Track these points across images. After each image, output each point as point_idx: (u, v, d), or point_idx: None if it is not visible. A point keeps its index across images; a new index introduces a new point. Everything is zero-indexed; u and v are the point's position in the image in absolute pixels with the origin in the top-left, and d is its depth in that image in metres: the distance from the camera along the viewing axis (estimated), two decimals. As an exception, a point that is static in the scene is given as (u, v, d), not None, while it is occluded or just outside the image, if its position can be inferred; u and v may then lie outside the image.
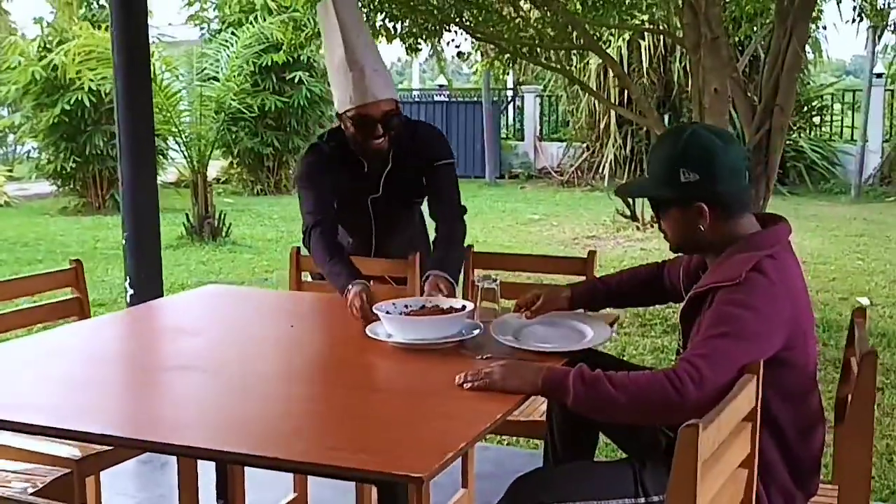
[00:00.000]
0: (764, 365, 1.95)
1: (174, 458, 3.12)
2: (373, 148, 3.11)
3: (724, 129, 3.20)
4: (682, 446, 1.58)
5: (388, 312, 2.52)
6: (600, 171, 14.97)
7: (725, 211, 2.13)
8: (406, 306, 2.60)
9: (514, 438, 4.00)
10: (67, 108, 12.29)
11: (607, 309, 2.70)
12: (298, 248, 3.51)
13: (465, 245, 3.28)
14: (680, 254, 2.38)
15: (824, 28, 8.88)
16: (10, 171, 16.32)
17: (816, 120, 15.12)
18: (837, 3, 7.83)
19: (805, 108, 14.42)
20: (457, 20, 6.72)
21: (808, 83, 14.79)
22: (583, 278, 3.21)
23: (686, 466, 1.58)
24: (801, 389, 2.14)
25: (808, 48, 13.15)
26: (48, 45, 12.63)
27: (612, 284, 2.63)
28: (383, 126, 3.06)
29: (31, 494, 2.38)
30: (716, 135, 2.16)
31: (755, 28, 7.64)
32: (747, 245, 2.11)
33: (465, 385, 2.09)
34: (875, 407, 4.69)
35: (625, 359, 5.24)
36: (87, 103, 12.20)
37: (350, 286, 2.85)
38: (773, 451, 2.09)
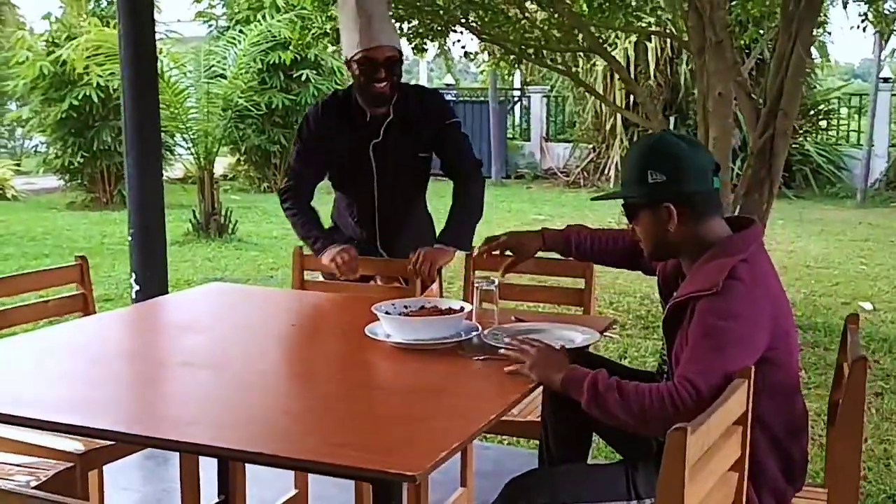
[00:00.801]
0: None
1: (177, 454, 3.15)
2: (375, 91, 3.29)
3: (691, 136, 3.27)
4: (670, 450, 1.60)
5: (387, 312, 2.55)
6: (606, 172, 14.98)
7: (694, 211, 2.19)
8: (405, 307, 2.63)
9: (515, 438, 4.03)
10: (75, 103, 12.36)
11: (602, 313, 2.74)
12: (301, 246, 3.55)
13: (472, 245, 3.35)
14: (658, 261, 2.41)
15: (829, 34, 8.89)
16: (18, 165, 16.39)
17: (823, 124, 15.08)
18: (844, 8, 7.86)
19: (812, 112, 14.40)
20: (463, 21, 6.75)
21: (815, 87, 14.76)
22: (582, 282, 3.25)
23: (674, 470, 1.61)
24: (788, 388, 2.19)
25: (815, 52, 13.14)
26: (56, 41, 12.69)
27: (589, 241, 2.66)
28: (386, 70, 3.26)
29: (34, 488, 2.41)
30: (683, 139, 2.26)
31: (761, 31, 7.65)
32: (721, 251, 2.15)
33: (502, 350, 2.24)
34: (872, 412, 4.69)
35: (626, 360, 5.30)
36: (95, 98, 12.26)
37: (331, 246, 3.26)
38: (765, 452, 2.12)
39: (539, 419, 2.63)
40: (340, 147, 3.41)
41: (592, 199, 2.63)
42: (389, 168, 3.41)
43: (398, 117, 3.38)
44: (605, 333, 2.81)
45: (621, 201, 2.31)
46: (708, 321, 2.05)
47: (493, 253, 2.70)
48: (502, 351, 2.22)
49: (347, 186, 3.54)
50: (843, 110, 15.60)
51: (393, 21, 3.45)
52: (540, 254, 2.75)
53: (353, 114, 3.39)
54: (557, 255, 2.80)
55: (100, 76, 11.57)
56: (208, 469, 3.03)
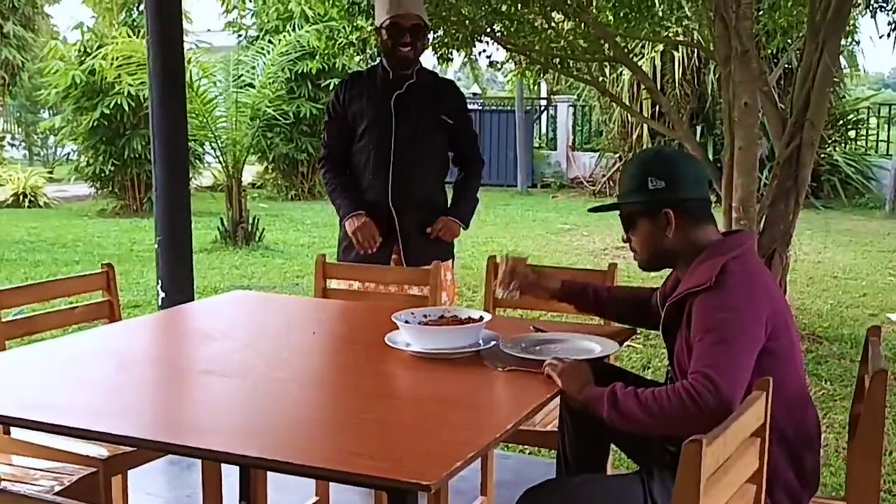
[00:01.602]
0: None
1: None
2: (400, 55, 3.68)
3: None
4: (684, 462, 1.60)
5: (406, 322, 2.56)
6: (633, 181, 14.90)
7: (690, 217, 2.28)
8: (425, 316, 2.64)
9: (536, 447, 4.02)
10: (107, 111, 12.50)
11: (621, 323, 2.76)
12: (325, 255, 3.58)
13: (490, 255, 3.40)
14: (651, 272, 2.46)
15: (858, 43, 8.80)
16: (51, 172, 16.62)
17: (852, 134, 14.95)
18: (873, 17, 7.78)
19: (840, 122, 14.27)
20: (488, 31, 6.76)
21: (844, 96, 14.63)
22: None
23: (689, 482, 1.60)
24: (795, 389, 2.19)
25: (843, 61, 13.01)
26: (88, 50, 12.86)
27: (604, 296, 2.71)
28: (412, 36, 3.65)
29: (57, 493, 2.44)
30: (679, 152, 2.43)
31: (789, 40, 7.60)
32: (712, 252, 2.24)
33: (545, 369, 2.28)
34: (887, 423, 4.60)
35: (649, 370, 5.28)
36: (126, 107, 12.41)
37: (351, 214, 3.72)
38: (779, 457, 2.13)
39: (556, 429, 2.63)
40: (365, 102, 3.76)
41: (590, 211, 2.65)
42: (411, 120, 3.72)
43: (420, 82, 3.75)
44: (626, 343, 2.81)
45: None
46: (708, 316, 2.11)
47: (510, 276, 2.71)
48: (546, 370, 2.27)
49: (368, 137, 3.75)
50: (873, 120, 15.46)
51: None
52: (563, 263, 2.76)
53: (377, 77, 3.79)
54: (579, 265, 2.80)
55: (131, 85, 11.72)
56: (230, 475, 3.05)
